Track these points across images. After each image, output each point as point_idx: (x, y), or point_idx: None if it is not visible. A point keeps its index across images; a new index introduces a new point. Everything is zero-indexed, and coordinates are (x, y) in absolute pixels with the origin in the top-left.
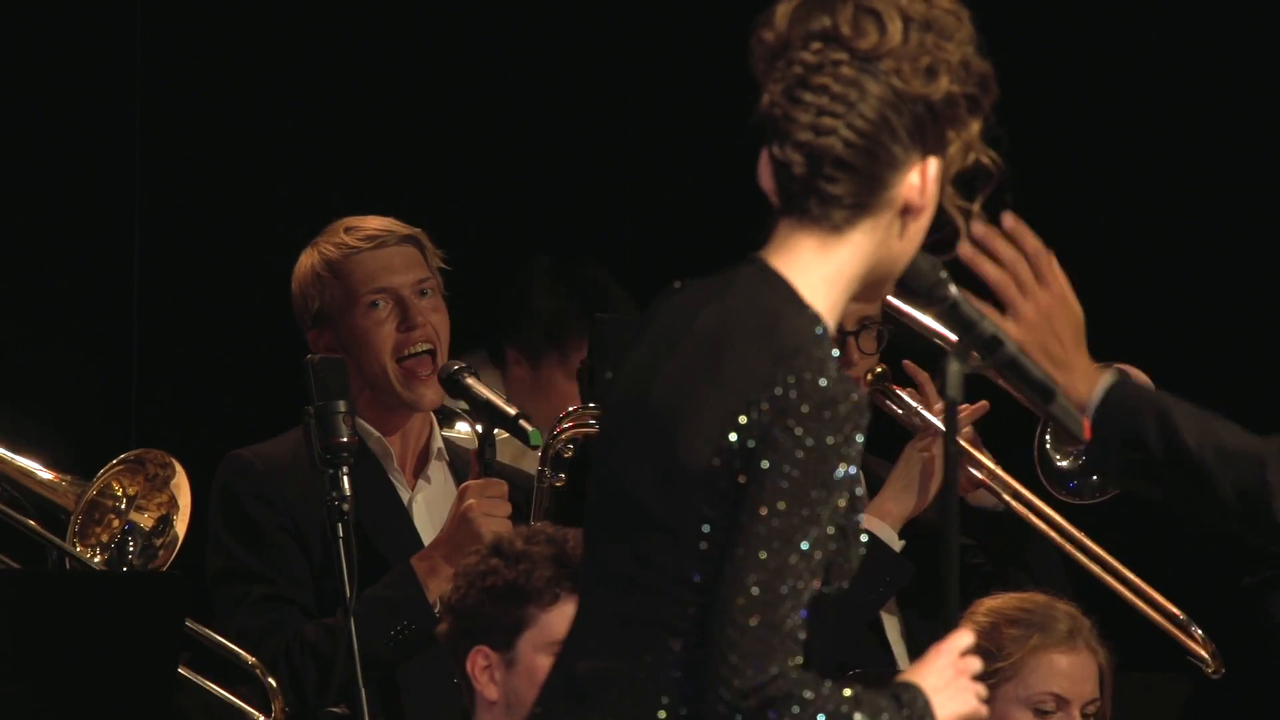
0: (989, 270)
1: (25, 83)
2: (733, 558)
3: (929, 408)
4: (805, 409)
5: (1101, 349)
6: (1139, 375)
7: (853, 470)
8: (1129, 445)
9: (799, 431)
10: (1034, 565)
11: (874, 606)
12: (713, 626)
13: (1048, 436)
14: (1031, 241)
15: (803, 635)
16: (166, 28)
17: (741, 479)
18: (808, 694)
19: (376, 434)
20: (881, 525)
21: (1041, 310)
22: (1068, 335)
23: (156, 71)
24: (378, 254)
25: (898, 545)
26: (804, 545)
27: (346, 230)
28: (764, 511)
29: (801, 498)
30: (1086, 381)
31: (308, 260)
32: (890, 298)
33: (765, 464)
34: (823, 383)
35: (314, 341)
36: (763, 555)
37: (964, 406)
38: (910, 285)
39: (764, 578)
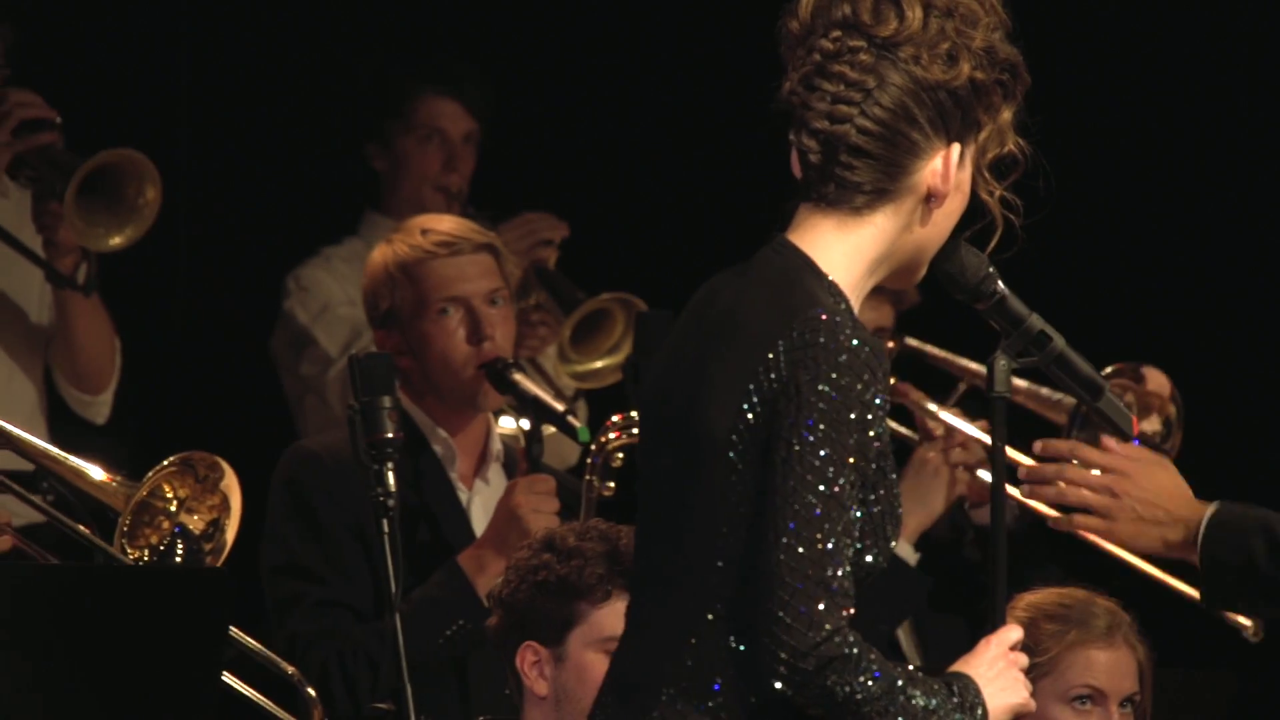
0: (1054, 496)
1: None
2: (768, 522)
3: (933, 416)
4: (820, 358)
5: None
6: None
7: (881, 429)
8: (1240, 570)
9: (820, 384)
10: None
11: (896, 625)
12: (760, 593)
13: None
14: (1062, 447)
15: (852, 592)
16: None
17: (765, 440)
18: (870, 655)
19: (444, 434)
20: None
21: (1133, 491)
22: (1166, 492)
23: None
24: (452, 261)
25: (914, 560)
26: (835, 489)
27: (423, 232)
28: (795, 468)
29: (828, 447)
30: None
31: (381, 258)
32: (909, 339)
33: (789, 421)
34: (838, 334)
35: (381, 341)
36: (798, 508)
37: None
38: (958, 280)
39: (804, 534)
